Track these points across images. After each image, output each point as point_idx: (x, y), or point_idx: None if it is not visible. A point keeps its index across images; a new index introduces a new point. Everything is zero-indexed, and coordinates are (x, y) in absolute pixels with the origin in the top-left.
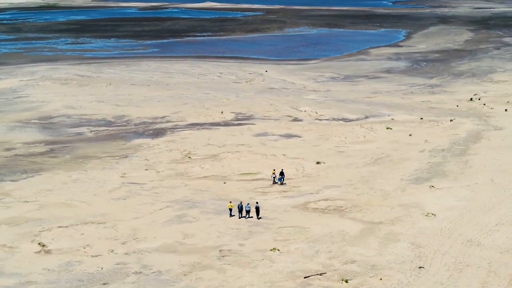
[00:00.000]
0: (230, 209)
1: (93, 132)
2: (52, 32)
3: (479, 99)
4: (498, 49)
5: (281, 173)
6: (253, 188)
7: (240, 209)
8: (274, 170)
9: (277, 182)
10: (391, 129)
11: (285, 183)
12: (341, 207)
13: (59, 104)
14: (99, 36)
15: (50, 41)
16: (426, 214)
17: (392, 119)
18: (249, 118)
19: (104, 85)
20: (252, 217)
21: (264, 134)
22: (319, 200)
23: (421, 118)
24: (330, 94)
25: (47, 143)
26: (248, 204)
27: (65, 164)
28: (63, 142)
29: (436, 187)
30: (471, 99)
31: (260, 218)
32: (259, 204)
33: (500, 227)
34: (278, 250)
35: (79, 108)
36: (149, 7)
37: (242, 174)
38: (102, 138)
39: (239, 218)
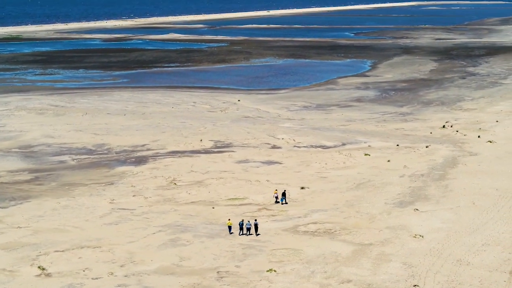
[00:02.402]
0: (229, 227)
1: (75, 160)
2: (19, 63)
3: (451, 126)
4: (464, 78)
5: (283, 194)
6: (241, 212)
7: (241, 227)
8: (276, 190)
9: (279, 202)
10: (369, 155)
11: (287, 203)
12: (331, 229)
13: (38, 133)
14: (67, 67)
15: (18, 72)
16: (414, 235)
17: (369, 145)
18: (228, 145)
19: (80, 114)
20: (252, 234)
21: (246, 161)
22: (308, 223)
23: (397, 145)
24: (305, 122)
25: (31, 171)
26: (248, 221)
27: (52, 191)
28: (46, 170)
29: (420, 210)
30: (443, 126)
31: (258, 234)
32: (257, 221)
33: (486, 247)
34: (275, 271)
35: (58, 137)
36: (113, 38)
37: (230, 199)
38: (85, 166)
39: (240, 235)
